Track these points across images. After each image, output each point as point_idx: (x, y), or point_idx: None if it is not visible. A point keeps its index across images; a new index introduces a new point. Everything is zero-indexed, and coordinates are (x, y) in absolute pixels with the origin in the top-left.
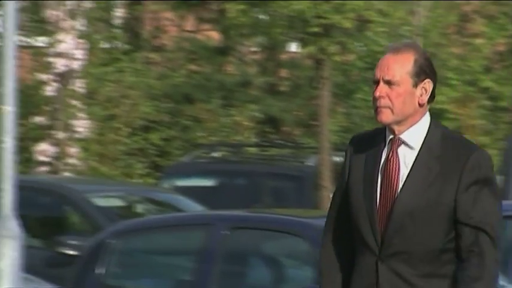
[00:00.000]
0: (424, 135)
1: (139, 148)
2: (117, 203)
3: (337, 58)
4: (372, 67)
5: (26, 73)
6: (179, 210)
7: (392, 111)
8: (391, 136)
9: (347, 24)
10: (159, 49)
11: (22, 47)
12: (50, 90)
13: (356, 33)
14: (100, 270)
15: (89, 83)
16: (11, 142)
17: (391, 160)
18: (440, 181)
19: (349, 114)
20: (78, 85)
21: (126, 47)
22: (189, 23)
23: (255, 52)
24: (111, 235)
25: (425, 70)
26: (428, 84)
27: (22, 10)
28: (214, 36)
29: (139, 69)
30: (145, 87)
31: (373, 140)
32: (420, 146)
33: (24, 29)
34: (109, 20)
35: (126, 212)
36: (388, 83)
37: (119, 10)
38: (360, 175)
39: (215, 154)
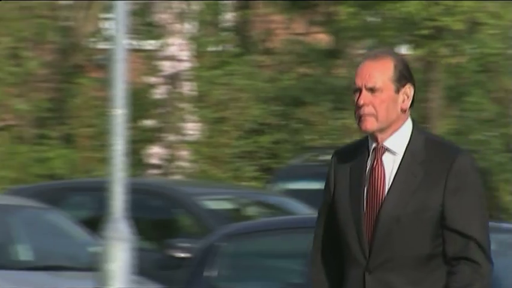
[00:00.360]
0: (407, 140)
1: (248, 151)
2: (227, 205)
3: (449, 60)
4: (484, 69)
5: (136, 76)
6: (289, 213)
7: (376, 118)
8: (374, 144)
9: (458, 26)
10: (268, 52)
11: (132, 50)
12: (159, 93)
13: (467, 35)
14: (210, 273)
15: (199, 86)
16: (121, 145)
17: (376, 168)
18: (425, 186)
19: (461, 117)
20: (187, 88)
21: (236, 50)
22: (299, 26)
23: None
24: (222, 238)
25: (405, 75)
26: (409, 89)
27: (132, 13)
28: (323, 38)
29: (248, 72)
30: (254, 90)
31: (356, 152)
32: (403, 152)
33: (134, 32)
34: (218, 23)
35: (236, 214)
36: (371, 90)
37: (228, 13)
38: (346, 188)
39: (324, 157)
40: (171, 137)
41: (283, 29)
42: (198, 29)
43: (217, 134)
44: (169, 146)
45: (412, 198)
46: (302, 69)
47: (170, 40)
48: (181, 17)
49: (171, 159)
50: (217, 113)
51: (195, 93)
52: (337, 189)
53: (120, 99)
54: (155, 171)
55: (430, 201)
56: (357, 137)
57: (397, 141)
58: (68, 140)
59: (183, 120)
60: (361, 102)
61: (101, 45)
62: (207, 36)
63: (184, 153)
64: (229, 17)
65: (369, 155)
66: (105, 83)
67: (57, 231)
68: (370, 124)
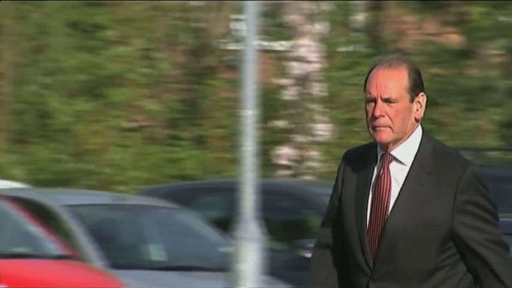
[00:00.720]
0: (416, 150)
1: None
2: None
3: None
4: None
5: (266, 77)
6: None
7: (392, 129)
8: (382, 152)
9: None
10: (399, 52)
11: (262, 51)
12: (289, 94)
13: None
14: None
15: (329, 87)
16: (251, 146)
17: (382, 177)
18: (433, 199)
19: None
20: (317, 89)
21: (367, 50)
22: (430, 26)
23: (498, 55)
24: None
25: (418, 83)
26: (422, 98)
27: (262, 14)
28: (455, 39)
29: None
30: None
31: (365, 156)
32: (412, 162)
33: (264, 33)
34: (348, 24)
35: None
36: (387, 101)
37: (359, 13)
38: (352, 192)
39: None
40: (301, 138)
41: (415, 30)
42: (329, 30)
43: (348, 135)
44: (299, 146)
45: (419, 211)
46: (434, 70)
47: (300, 41)
48: (312, 17)
49: (300, 160)
50: (348, 114)
51: (325, 94)
52: (343, 192)
53: (251, 100)
54: (285, 172)
55: (437, 214)
56: (489, 139)
57: (406, 151)
58: (199, 140)
59: (313, 121)
60: (378, 113)
61: (232, 46)
62: (337, 37)
63: (314, 154)
64: (360, 17)
65: (376, 162)
66: (236, 84)
67: (188, 231)
68: (386, 135)
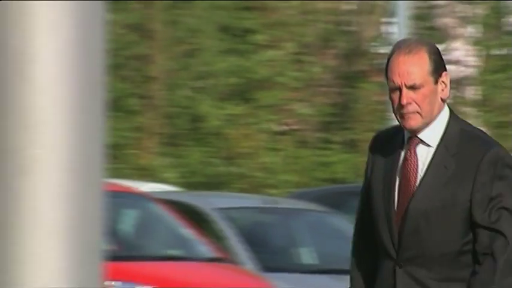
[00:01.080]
0: (442, 131)
1: None
2: None
3: None
4: None
5: None
6: None
7: (421, 115)
8: (409, 135)
9: None
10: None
11: None
12: None
13: None
14: None
15: (483, 90)
16: None
17: (409, 160)
18: (455, 180)
19: None
20: (471, 92)
21: None
22: None
23: None
24: None
25: (440, 63)
26: (446, 77)
27: (414, 18)
28: None
29: None
30: None
31: (393, 139)
32: (437, 143)
33: (416, 36)
34: (501, 26)
35: None
36: (412, 87)
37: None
38: (380, 175)
39: None
40: None
41: None
42: (482, 33)
43: (501, 138)
44: None
45: (441, 192)
46: None
47: (453, 44)
48: (465, 20)
49: None
50: (500, 117)
51: (478, 97)
52: (372, 175)
53: None
54: None
55: (458, 196)
56: None
57: (432, 133)
58: (351, 144)
59: None
60: (404, 101)
61: (383, 50)
62: (490, 40)
63: None
64: None
65: (403, 145)
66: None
67: (339, 234)
68: (415, 122)
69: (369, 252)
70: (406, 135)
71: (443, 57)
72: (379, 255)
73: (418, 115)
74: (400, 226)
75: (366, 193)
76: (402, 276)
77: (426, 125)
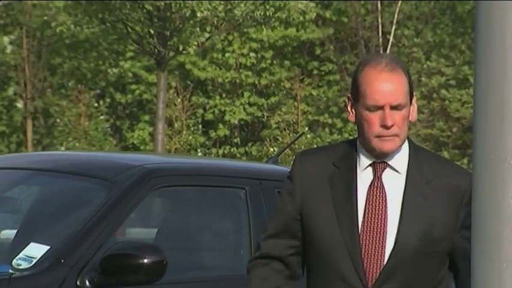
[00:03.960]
0: (407, 157)
1: None
2: None
3: None
4: None
5: None
6: None
7: (399, 138)
8: (372, 160)
9: None
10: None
11: None
12: None
13: None
14: None
15: None
16: None
17: (375, 187)
18: (437, 211)
19: None
20: None
21: None
22: None
23: None
24: None
25: (411, 85)
26: (414, 99)
27: None
28: None
29: None
30: None
31: (335, 160)
32: (406, 170)
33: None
34: None
35: None
36: (395, 108)
37: None
38: (327, 201)
39: None
40: None
41: None
42: None
43: None
44: None
45: (426, 225)
46: None
47: None
48: None
49: None
50: None
51: None
52: (310, 202)
53: None
54: None
55: (444, 227)
56: None
57: (399, 158)
58: None
59: None
60: (390, 123)
61: None
62: None
63: None
64: None
65: (356, 169)
66: None
67: None
68: (393, 145)
69: (284, 280)
70: (364, 158)
71: None
72: (315, 286)
73: (397, 138)
74: (374, 260)
75: (297, 220)
76: None
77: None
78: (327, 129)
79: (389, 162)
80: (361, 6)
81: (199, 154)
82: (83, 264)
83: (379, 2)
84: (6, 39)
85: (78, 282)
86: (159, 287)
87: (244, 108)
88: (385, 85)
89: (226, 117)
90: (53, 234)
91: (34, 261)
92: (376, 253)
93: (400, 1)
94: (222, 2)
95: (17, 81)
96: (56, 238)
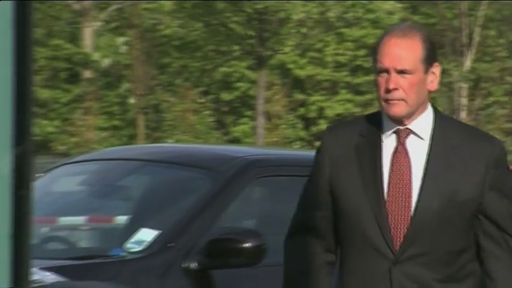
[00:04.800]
0: (432, 124)
1: None
2: None
3: None
4: None
5: None
6: None
7: (406, 102)
8: (396, 126)
9: None
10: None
11: None
12: None
13: None
14: None
15: None
16: None
17: (400, 153)
18: (461, 175)
19: None
20: None
21: None
22: None
23: None
24: None
25: (433, 53)
26: (437, 69)
27: None
28: None
29: None
30: None
31: (361, 130)
32: (430, 136)
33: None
34: None
35: None
36: (401, 72)
37: None
38: (354, 170)
39: None
40: None
41: None
42: None
43: None
44: None
45: (449, 189)
46: None
47: None
48: None
49: None
50: None
51: None
52: (339, 172)
53: None
54: None
55: (470, 193)
56: None
57: (423, 124)
58: None
59: None
60: (391, 86)
61: None
62: None
63: None
64: None
65: (382, 137)
66: None
67: None
68: (400, 109)
69: (323, 256)
70: (388, 125)
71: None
72: (352, 257)
73: (404, 102)
74: (402, 224)
75: (329, 191)
76: (400, 276)
77: (410, 114)
78: None
79: (412, 129)
80: (448, 10)
81: (297, 147)
82: (189, 247)
83: (464, 5)
84: (120, 40)
85: (184, 265)
86: (259, 270)
87: (342, 104)
88: (392, 49)
89: (327, 112)
90: (162, 220)
91: (145, 245)
92: (402, 218)
93: (485, 1)
94: (316, 5)
95: (130, 79)
96: (164, 224)
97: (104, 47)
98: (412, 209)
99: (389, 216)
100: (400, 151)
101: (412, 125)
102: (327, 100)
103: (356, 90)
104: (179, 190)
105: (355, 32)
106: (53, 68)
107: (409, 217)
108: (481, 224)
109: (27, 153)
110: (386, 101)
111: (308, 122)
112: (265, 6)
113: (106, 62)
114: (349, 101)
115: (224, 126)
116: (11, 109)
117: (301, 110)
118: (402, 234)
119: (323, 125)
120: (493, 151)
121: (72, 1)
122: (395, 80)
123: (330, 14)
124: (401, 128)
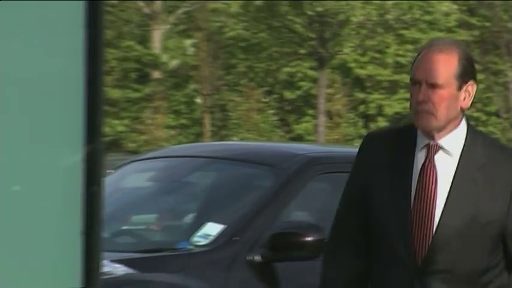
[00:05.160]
0: (463, 141)
1: None
2: None
3: None
4: None
5: None
6: None
7: (435, 117)
8: (427, 141)
9: None
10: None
11: None
12: None
13: None
14: None
15: None
16: None
17: (428, 168)
18: (487, 195)
19: None
20: None
21: None
22: None
23: None
24: None
25: (469, 71)
26: (472, 87)
27: None
28: None
29: None
30: None
31: (398, 141)
32: (460, 153)
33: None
34: None
35: None
36: (432, 86)
37: None
38: (385, 180)
39: None
40: None
41: None
42: None
43: None
44: None
45: (475, 208)
46: None
47: None
48: None
49: None
50: None
51: None
52: (372, 180)
53: None
54: None
55: (494, 213)
56: None
57: (453, 141)
58: None
59: None
60: (421, 98)
61: None
62: None
63: None
64: None
65: (414, 150)
66: None
67: None
68: (427, 122)
69: (358, 264)
70: (421, 140)
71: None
72: (379, 266)
73: (432, 116)
74: (426, 239)
75: (363, 196)
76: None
77: (441, 129)
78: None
79: (442, 144)
80: (504, 12)
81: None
82: (254, 241)
83: None
84: (188, 42)
85: (248, 257)
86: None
87: (400, 103)
88: (427, 62)
89: (386, 110)
90: (227, 214)
91: (210, 238)
92: (425, 233)
93: None
94: (375, 7)
95: (197, 80)
96: (229, 218)
97: (172, 49)
98: (435, 225)
99: (414, 229)
100: (428, 166)
101: (443, 141)
102: (386, 99)
103: None
104: (243, 186)
105: (414, 34)
106: (123, 69)
107: (432, 233)
108: (507, 245)
109: (98, 151)
110: (416, 112)
111: (368, 119)
112: (325, 9)
113: (174, 63)
114: (407, 100)
115: (287, 125)
116: (83, 109)
117: (361, 108)
118: (425, 249)
119: (382, 123)
120: None
121: (143, 4)
122: (426, 92)
123: (389, 16)
124: (432, 143)
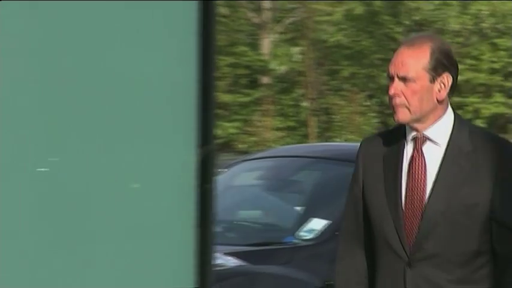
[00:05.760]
0: (450, 131)
1: None
2: None
3: None
4: None
5: None
6: None
7: (409, 109)
8: (414, 134)
9: None
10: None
11: None
12: None
13: None
14: None
15: None
16: None
17: (416, 159)
18: (473, 179)
19: None
20: None
21: None
22: None
23: None
24: None
25: (443, 63)
26: (447, 79)
27: None
28: None
29: None
30: None
31: (389, 140)
32: (447, 142)
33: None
34: None
35: None
36: (403, 79)
37: None
38: (379, 177)
39: None
40: None
41: None
42: None
43: None
44: None
45: (459, 192)
46: None
47: None
48: None
49: None
50: None
51: None
52: (368, 179)
53: None
54: None
55: (478, 195)
56: None
57: (439, 132)
58: None
59: None
60: (392, 92)
61: None
62: None
63: None
64: None
65: (405, 144)
66: None
67: None
68: (402, 115)
69: (363, 259)
70: (409, 134)
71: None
72: (379, 259)
73: (406, 109)
74: (414, 226)
75: (361, 198)
76: (414, 277)
77: (417, 121)
78: None
79: (429, 135)
80: None
81: None
82: None
83: None
84: (295, 50)
85: None
86: None
87: (496, 106)
88: (398, 57)
89: (482, 112)
90: (330, 211)
91: (315, 233)
92: (415, 221)
93: None
94: (471, 17)
95: (303, 85)
96: (333, 214)
97: (280, 56)
98: (422, 211)
99: (406, 220)
100: (417, 157)
101: (428, 132)
102: (482, 102)
103: (509, 94)
104: (346, 184)
105: (507, 42)
106: (234, 75)
107: (419, 220)
108: (494, 228)
109: (211, 152)
110: (392, 107)
111: None
112: (423, 18)
113: (282, 69)
114: (502, 103)
115: (387, 127)
116: (197, 112)
117: (458, 112)
118: (415, 235)
119: (481, 125)
120: (502, 153)
121: (253, 15)
122: (397, 86)
123: (484, 25)
124: (418, 135)
